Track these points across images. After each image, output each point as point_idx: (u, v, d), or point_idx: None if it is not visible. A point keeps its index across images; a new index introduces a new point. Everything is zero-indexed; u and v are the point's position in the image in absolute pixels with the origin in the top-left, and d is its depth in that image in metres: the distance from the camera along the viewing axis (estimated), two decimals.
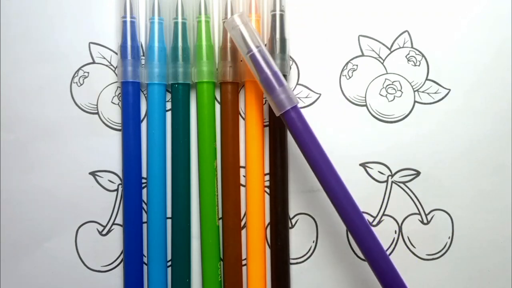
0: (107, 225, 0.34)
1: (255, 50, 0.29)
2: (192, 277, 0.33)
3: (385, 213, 0.34)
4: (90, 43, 0.34)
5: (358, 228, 0.29)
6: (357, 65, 0.34)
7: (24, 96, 0.34)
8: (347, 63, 0.34)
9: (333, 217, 0.34)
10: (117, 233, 0.34)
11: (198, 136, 0.33)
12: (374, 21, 0.34)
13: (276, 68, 0.30)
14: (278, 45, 0.33)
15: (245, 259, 0.34)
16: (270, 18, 0.33)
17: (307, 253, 0.34)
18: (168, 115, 0.34)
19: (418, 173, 0.34)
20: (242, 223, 0.34)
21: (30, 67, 0.34)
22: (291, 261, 0.34)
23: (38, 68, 0.34)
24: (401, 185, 0.34)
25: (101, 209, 0.34)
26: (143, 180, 0.33)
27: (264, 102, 0.34)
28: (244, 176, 0.34)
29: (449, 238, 0.34)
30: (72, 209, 0.34)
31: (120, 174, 0.34)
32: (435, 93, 0.34)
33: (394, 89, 0.34)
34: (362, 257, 0.34)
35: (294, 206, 0.34)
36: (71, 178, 0.34)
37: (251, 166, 0.33)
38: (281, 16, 0.33)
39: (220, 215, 0.33)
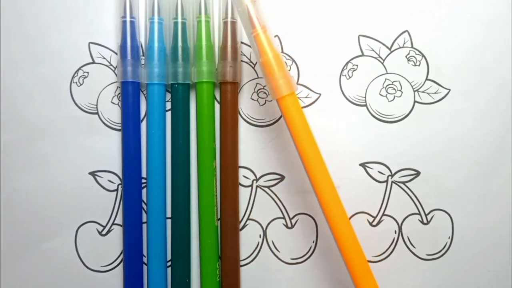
0: (107, 225, 0.34)
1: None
2: (191, 277, 0.33)
3: (385, 213, 0.34)
4: (90, 43, 0.34)
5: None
6: (357, 65, 0.34)
7: (24, 96, 0.34)
8: (347, 63, 0.34)
9: None
10: (117, 233, 0.34)
11: (198, 136, 0.33)
12: (374, 21, 0.34)
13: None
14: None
15: (244, 259, 0.34)
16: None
17: (307, 253, 0.34)
18: (168, 115, 0.34)
19: (418, 173, 0.34)
20: (242, 223, 0.34)
21: (30, 67, 0.34)
22: (291, 261, 0.34)
23: (38, 68, 0.34)
24: (401, 185, 0.34)
25: (101, 209, 0.34)
26: (143, 180, 0.33)
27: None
28: (244, 176, 0.34)
29: (449, 238, 0.34)
30: (72, 209, 0.34)
31: (120, 174, 0.34)
32: (435, 93, 0.34)
33: (394, 89, 0.34)
34: None
35: (294, 206, 0.34)
36: (71, 178, 0.34)
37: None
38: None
39: (219, 216, 0.33)
